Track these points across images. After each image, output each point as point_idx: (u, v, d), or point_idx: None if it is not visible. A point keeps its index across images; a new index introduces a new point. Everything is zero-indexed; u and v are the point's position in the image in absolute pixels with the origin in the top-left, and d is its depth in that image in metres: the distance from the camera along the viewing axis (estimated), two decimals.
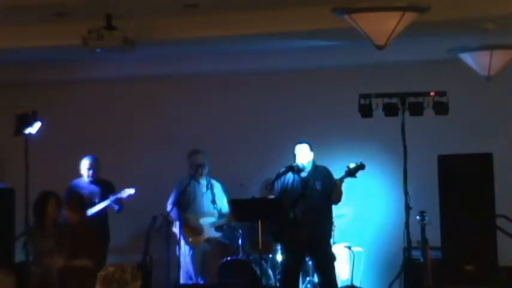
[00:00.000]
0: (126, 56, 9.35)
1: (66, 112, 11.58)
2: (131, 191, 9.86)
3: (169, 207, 9.75)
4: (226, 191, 10.09)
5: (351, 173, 8.70)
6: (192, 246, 9.88)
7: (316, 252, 8.98)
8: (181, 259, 9.61)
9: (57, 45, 9.49)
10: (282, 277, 9.30)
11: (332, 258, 9.00)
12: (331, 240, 9.55)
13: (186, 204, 9.82)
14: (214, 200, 9.99)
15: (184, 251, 9.72)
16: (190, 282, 9.80)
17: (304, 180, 8.96)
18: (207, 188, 9.98)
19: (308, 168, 9.00)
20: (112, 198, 9.86)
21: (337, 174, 8.87)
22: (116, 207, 9.93)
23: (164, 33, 9.23)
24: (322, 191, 8.85)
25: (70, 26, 8.98)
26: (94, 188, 10.02)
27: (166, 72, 11.18)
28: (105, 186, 10.04)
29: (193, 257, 9.87)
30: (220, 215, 9.98)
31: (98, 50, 8.78)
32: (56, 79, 11.45)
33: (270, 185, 9.07)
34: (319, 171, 9.00)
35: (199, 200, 9.95)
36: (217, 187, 10.08)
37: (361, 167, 8.70)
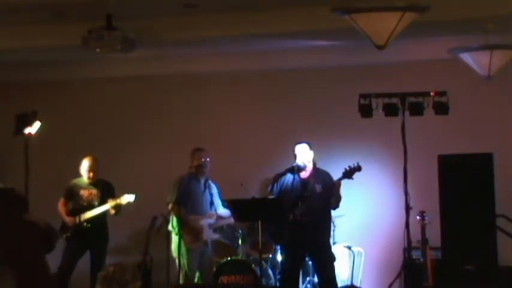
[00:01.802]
0: (126, 56, 9.36)
1: (66, 112, 11.59)
2: (131, 198, 9.77)
3: (170, 205, 9.63)
4: (221, 194, 10.02)
5: (348, 174, 8.71)
6: (191, 249, 9.83)
7: (316, 252, 8.97)
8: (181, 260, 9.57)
9: (57, 45, 9.50)
10: (282, 277, 9.29)
11: (332, 258, 8.99)
12: (331, 241, 9.57)
13: (186, 202, 9.76)
14: (213, 201, 9.95)
15: (182, 251, 9.65)
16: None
17: (304, 182, 8.96)
18: (205, 187, 9.94)
19: (309, 168, 9.00)
20: (111, 204, 9.81)
21: (337, 174, 8.87)
22: (113, 211, 9.88)
23: (164, 33, 9.24)
24: (322, 194, 8.85)
25: (70, 26, 8.99)
26: (93, 189, 9.98)
27: (166, 72, 11.18)
28: (105, 188, 10.00)
29: (190, 259, 9.81)
30: (219, 217, 9.93)
31: (98, 50, 8.79)
32: (56, 79, 11.46)
33: (270, 186, 9.06)
34: (320, 175, 8.99)
35: (199, 199, 9.88)
36: (214, 189, 10.03)
37: (357, 168, 8.70)
